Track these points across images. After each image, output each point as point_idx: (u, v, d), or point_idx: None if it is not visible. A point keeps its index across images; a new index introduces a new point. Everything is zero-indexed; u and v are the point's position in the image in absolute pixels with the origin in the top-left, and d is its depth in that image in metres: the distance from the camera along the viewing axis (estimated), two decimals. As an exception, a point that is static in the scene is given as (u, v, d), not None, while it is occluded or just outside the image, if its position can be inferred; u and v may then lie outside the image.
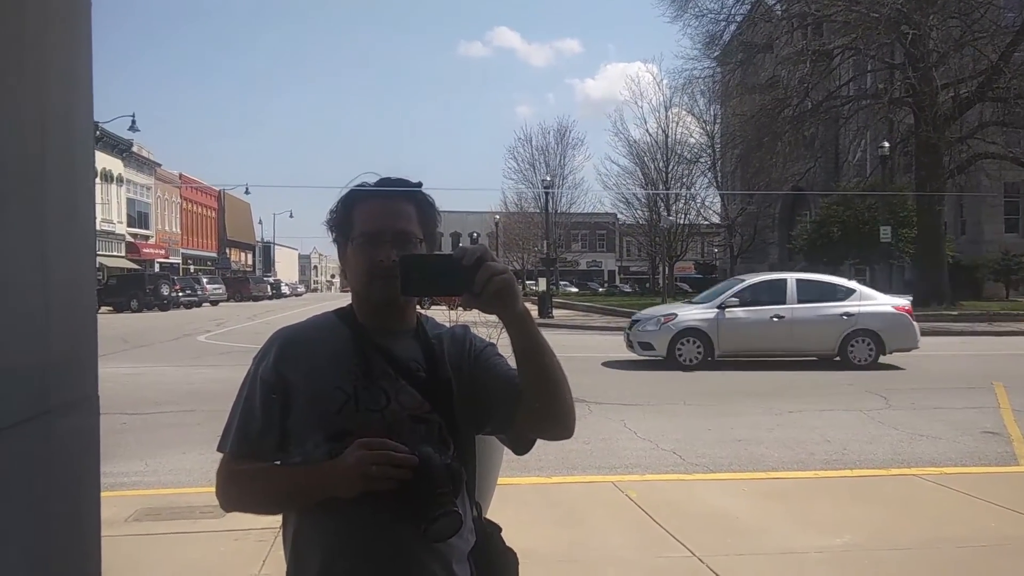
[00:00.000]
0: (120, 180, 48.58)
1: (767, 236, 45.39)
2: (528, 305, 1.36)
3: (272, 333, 1.51)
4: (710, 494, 5.44)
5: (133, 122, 38.08)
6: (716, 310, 13.11)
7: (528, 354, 1.33)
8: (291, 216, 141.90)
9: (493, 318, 1.33)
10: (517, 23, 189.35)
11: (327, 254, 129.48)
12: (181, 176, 60.75)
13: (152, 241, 54.69)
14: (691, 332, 12.86)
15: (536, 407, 1.37)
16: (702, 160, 42.31)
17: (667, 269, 40.88)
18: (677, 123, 42.06)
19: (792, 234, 39.60)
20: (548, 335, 1.36)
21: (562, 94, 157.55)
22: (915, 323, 12.90)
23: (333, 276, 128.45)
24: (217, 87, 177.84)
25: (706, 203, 44.28)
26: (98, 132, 38.49)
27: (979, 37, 24.89)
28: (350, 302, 1.53)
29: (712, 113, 40.81)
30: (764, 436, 7.49)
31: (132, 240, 50.96)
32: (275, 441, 1.42)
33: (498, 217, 55.99)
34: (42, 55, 1.16)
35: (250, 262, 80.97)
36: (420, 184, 1.51)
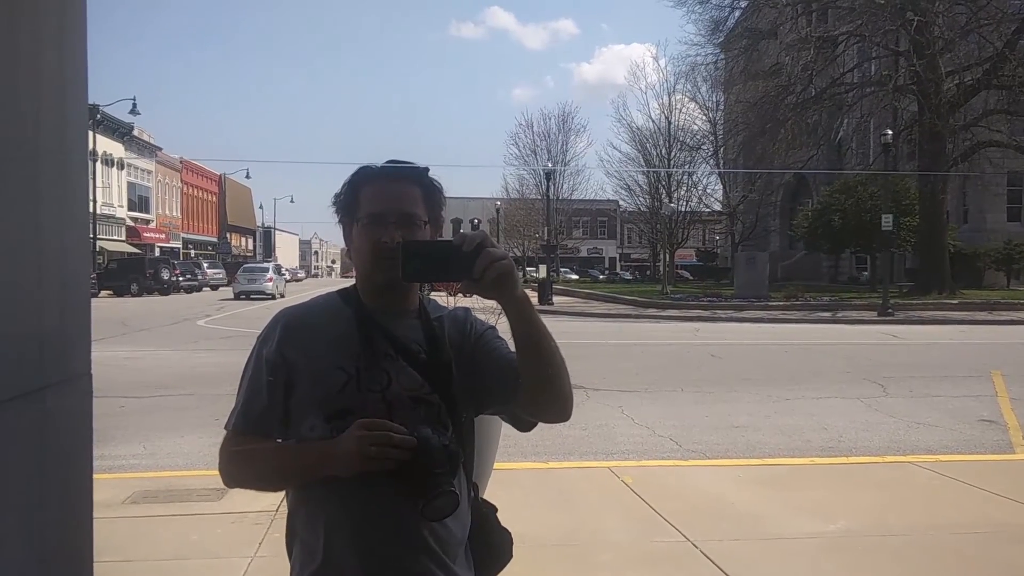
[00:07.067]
0: (121, 164, 48.45)
1: (769, 224, 45.31)
2: (528, 292, 1.36)
3: (276, 313, 1.53)
4: (705, 480, 5.46)
5: (134, 105, 37.99)
6: None
7: (527, 339, 1.33)
8: (292, 201, 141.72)
9: (492, 303, 1.33)
10: (510, 3, 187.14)
11: (328, 239, 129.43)
12: (182, 160, 60.56)
13: (153, 225, 54.61)
14: None
15: (534, 391, 1.38)
16: (704, 147, 42.17)
17: (668, 256, 40.81)
18: (680, 110, 41.93)
19: (793, 222, 39.52)
20: (548, 322, 1.37)
21: (559, 78, 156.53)
22: None
23: (334, 261, 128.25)
24: (215, 72, 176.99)
25: (707, 190, 44.20)
26: (99, 116, 38.32)
27: (985, 24, 24.71)
28: (354, 283, 1.54)
29: (715, 100, 40.65)
30: (761, 423, 7.51)
31: (132, 224, 50.89)
32: (278, 420, 1.43)
33: (499, 203, 55.86)
34: (37, 32, 1.16)
35: (251, 247, 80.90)
36: (427, 169, 1.51)
